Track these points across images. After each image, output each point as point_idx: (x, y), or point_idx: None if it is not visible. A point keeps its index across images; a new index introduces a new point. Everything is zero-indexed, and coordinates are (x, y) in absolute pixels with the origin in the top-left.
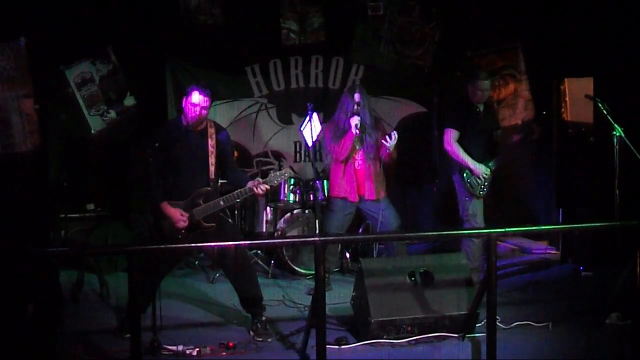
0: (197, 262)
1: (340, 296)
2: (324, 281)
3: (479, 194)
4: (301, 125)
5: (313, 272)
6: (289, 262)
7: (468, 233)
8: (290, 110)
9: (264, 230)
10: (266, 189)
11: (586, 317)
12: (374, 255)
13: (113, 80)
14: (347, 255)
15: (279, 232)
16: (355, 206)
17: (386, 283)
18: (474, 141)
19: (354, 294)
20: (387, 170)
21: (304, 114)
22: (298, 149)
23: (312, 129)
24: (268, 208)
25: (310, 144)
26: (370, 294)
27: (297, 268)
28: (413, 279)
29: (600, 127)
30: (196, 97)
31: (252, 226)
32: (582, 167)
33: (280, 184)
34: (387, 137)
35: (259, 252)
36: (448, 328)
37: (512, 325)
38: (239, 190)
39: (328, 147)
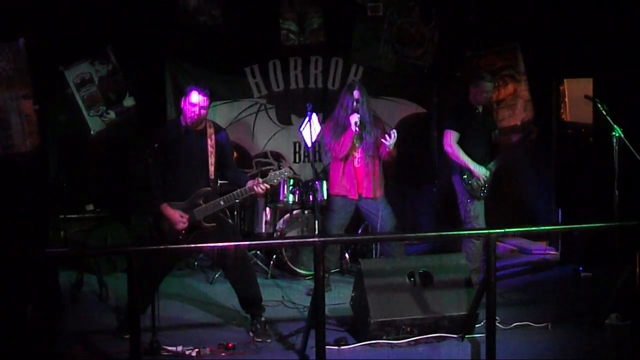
0: (196, 263)
1: (339, 297)
2: (323, 282)
3: (480, 195)
4: (300, 126)
5: (312, 273)
6: (288, 262)
7: (467, 234)
8: (289, 110)
9: (264, 230)
10: (266, 188)
11: (586, 317)
12: (374, 256)
13: (112, 81)
14: (347, 256)
15: (279, 233)
16: (354, 204)
17: (386, 284)
18: (473, 142)
19: (353, 294)
20: (387, 170)
21: (303, 115)
22: (297, 150)
23: (311, 129)
24: (267, 209)
25: (309, 144)
26: (370, 294)
27: (296, 269)
28: (412, 279)
29: (600, 128)
30: (195, 97)
31: (252, 227)
32: (581, 167)
33: (280, 184)
34: (386, 135)
35: (259, 252)
36: (447, 328)
37: (512, 325)
38: (238, 190)
39: (327, 144)
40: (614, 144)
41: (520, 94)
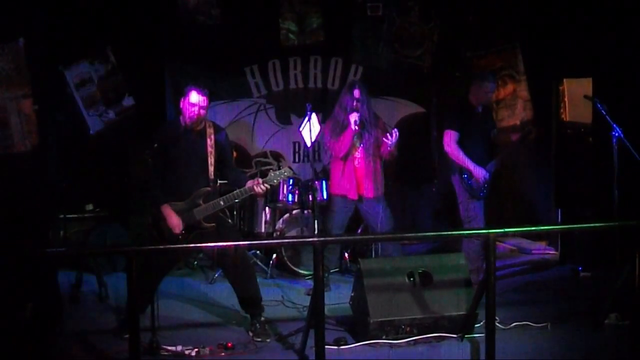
0: (195, 263)
1: (339, 296)
2: (322, 281)
3: (479, 195)
4: (300, 126)
5: (312, 273)
6: (287, 262)
7: (467, 233)
8: (289, 110)
9: (263, 230)
10: (266, 188)
11: (585, 317)
12: (373, 256)
13: (112, 81)
14: (346, 255)
15: (278, 233)
16: (354, 204)
17: (385, 283)
18: (473, 142)
19: (352, 294)
20: (386, 170)
21: (302, 115)
22: (297, 150)
23: (311, 129)
24: (267, 208)
25: (309, 144)
26: (369, 294)
27: (296, 268)
28: (412, 279)
29: (599, 128)
30: (194, 97)
31: (251, 226)
32: (580, 167)
33: (280, 184)
34: (388, 135)
35: (258, 252)
36: (447, 328)
37: (511, 325)
38: (238, 190)
39: (327, 143)
40: (614, 144)
41: (519, 93)
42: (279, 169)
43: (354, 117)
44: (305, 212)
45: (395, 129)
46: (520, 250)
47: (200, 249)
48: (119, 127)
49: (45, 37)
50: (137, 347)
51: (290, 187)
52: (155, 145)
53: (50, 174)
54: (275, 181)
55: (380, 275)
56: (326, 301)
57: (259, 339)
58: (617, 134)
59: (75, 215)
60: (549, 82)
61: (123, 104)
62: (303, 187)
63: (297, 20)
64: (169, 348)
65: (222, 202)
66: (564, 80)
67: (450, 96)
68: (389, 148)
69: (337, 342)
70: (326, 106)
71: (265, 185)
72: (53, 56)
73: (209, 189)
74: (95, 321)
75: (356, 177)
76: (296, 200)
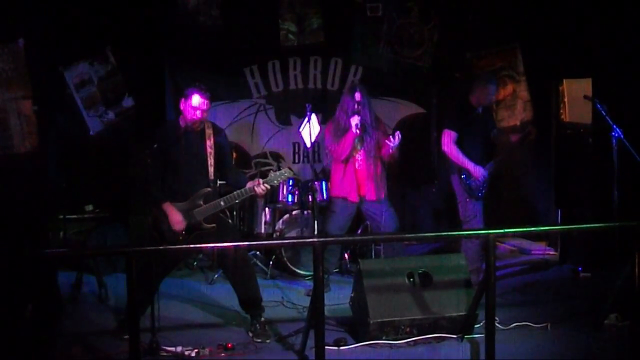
0: (195, 263)
1: (339, 297)
2: (322, 282)
3: (479, 195)
4: (300, 127)
5: (312, 273)
6: (287, 263)
7: (467, 234)
8: (288, 111)
9: (263, 231)
10: (266, 188)
11: (585, 318)
12: (373, 257)
13: (111, 82)
14: (346, 256)
15: (278, 233)
16: (355, 206)
17: (385, 284)
18: (472, 143)
19: (352, 295)
20: (387, 171)
21: (302, 115)
22: (297, 150)
23: (310, 130)
24: (267, 209)
25: (308, 145)
26: (369, 295)
27: (295, 269)
28: (412, 280)
29: (599, 128)
30: (197, 100)
31: (251, 227)
32: (580, 168)
33: (279, 184)
34: (391, 137)
35: (258, 253)
36: (447, 329)
37: (511, 326)
38: (238, 190)
39: (328, 146)
40: (613, 145)
41: (519, 94)
42: (279, 169)
43: (355, 120)
44: (305, 212)
45: (398, 132)
46: (520, 250)
47: (201, 250)
48: (118, 127)
49: (44, 37)
50: (137, 348)
51: (290, 187)
52: (155, 145)
53: (50, 175)
54: (275, 182)
55: (380, 275)
56: (326, 302)
57: (259, 340)
58: (616, 135)
59: (75, 216)
60: (549, 83)
61: (123, 104)
62: (303, 187)
63: (296, 21)
64: (169, 349)
65: (222, 203)
66: (564, 80)
67: (450, 97)
68: (390, 150)
69: (337, 343)
70: (326, 107)
71: (266, 185)
72: (53, 57)
73: (209, 189)
74: (95, 322)
75: (357, 179)
76: (296, 200)
